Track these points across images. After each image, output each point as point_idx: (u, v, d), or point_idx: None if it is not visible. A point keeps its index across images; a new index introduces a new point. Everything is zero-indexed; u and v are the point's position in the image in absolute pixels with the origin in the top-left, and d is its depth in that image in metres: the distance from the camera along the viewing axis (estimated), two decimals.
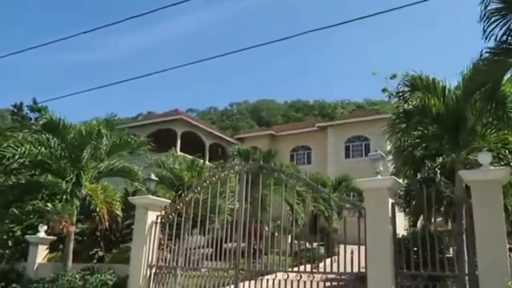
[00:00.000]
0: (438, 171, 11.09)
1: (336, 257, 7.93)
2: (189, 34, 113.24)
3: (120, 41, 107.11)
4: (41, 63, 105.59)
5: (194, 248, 10.02)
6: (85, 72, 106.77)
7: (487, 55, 6.44)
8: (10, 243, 12.70)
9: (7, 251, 12.58)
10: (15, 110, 24.53)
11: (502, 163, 8.69)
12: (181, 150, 26.28)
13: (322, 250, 11.99)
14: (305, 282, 7.57)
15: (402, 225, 11.64)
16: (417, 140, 9.65)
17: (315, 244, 10.01)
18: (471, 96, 7.33)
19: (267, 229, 11.90)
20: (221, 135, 34.05)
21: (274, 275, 8.03)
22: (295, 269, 8.27)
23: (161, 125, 29.28)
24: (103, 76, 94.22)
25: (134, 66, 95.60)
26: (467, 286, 7.18)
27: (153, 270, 9.26)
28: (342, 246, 7.71)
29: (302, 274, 7.68)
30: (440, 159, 10.93)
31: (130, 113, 59.27)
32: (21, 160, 9.79)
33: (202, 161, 15.04)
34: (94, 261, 11.20)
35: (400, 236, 8.08)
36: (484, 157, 6.80)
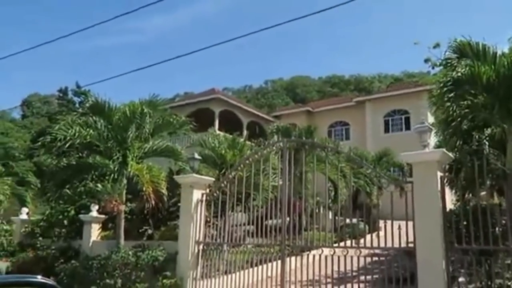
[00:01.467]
0: (487, 143, 10.68)
1: (379, 232, 7.87)
2: (222, 11, 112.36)
3: (154, 22, 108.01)
4: (80, 48, 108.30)
5: (238, 225, 10.23)
6: (121, 55, 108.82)
7: None
8: (65, 222, 13.45)
9: (63, 230, 13.32)
10: (61, 95, 25.54)
11: None
12: (219, 129, 26.60)
13: (361, 225, 11.94)
14: (351, 257, 7.59)
15: (448, 199, 11.38)
16: (466, 111, 9.27)
17: (356, 220, 9.98)
18: None
19: (310, 205, 11.97)
20: (258, 113, 34.11)
21: (320, 250, 8.09)
22: (338, 244, 8.30)
23: (199, 105, 29.66)
24: (139, 58, 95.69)
25: (167, 47, 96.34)
26: None
27: (201, 247, 9.54)
28: (384, 222, 7.66)
29: (349, 249, 7.69)
30: (488, 131, 10.50)
31: (167, 94, 60.34)
32: (72, 142, 10.24)
33: (242, 139, 15.15)
34: (144, 239, 11.69)
35: (448, 210, 7.89)
36: None
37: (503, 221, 7.64)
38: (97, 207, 12.27)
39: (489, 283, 7.09)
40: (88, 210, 12.45)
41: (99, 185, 11.65)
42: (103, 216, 12.36)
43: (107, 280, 9.48)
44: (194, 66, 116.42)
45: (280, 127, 19.30)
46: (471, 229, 6.79)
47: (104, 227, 12.74)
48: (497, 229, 7.34)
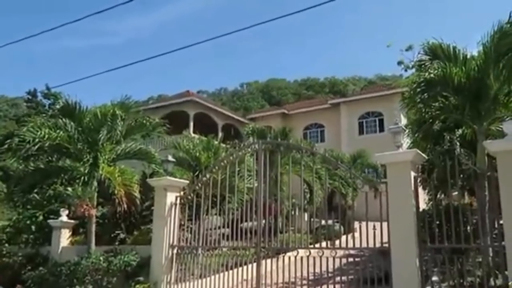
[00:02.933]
0: (458, 143, 10.91)
1: (354, 233, 7.90)
2: (197, 12, 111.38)
3: (129, 24, 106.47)
4: (50, 50, 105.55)
5: (213, 229, 10.08)
6: (95, 57, 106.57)
7: None
8: (33, 228, 12.94)
9: (31, 236, 12.82)
10: (30, 97, 24.68)
11: None
12: (194, 132, 26.33)
13: (337, 227, 12.01)
14: (327, 258, 7.57)
15: (421, 199, 11.58)
16: (437, 112, 9.45)
17: (331, 221, 10.01)
18: (497, 60, 7.05)
19: (285, 207, 11.93)
20: (233, 115, 34.00)
21: (295, 252, 8.04)
22: (314, 246, 8.28)
23: (173, 108, 29.32)
24: (114, 60, 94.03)
25: (144, 48, 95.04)
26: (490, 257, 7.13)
27: (175, 250, 9.36)
28: (358, 223, 7.69)
29: (324, 250, 7.67)
30: (459, 131, 10.74)
31: (140, 97, 59.41)
32: (41, 144, 9.87)
33: (216, 142, 14.97)
34: (117, 243, 11.38)
35: (421, 210, 7.99)
36: (510, 126, 6.60)
37: (474, 220, 7.81)
38: (67, 212, 11.90)
39: (461, 281, 7.21)
40: (58, 215, 12.05)
41: (69, 189, 11.29)
42: (73, 221, 11.98)
43: (77, 287, 9.17)
44: (169, 69, 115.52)
45: (256, 129, 19.23)
46: (444, 228, 6.89)
47: (74, 233, 12.36)
48: (468, 228, 7.47)
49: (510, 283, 5.81)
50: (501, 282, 6.46)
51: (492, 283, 6.66)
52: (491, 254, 7.22)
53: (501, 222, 6.53)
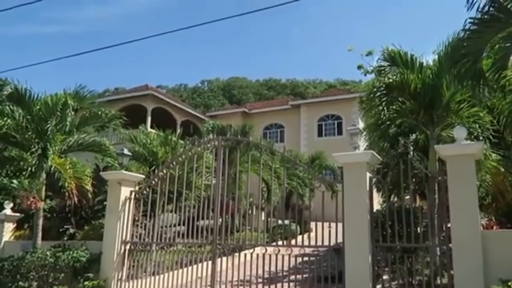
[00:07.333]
0: (412, 148, 11.31)
1: (310, 233, 7.97)
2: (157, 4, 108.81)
3: (84, 13, 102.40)
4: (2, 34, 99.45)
5: (169, 226, 9.84)
6: (46, 46, 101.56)
7: (470, 25, 6.40)
8: None
9: None
10: None
11: (473, 136, 8.93)
12: (151, 127, 25.69)
13: (293, 226, 12.09)
14: (283, 256, 7.60)
15: (375, 201, 11.91)
16: (394, 115, 9.74)
17: (288, 221, 10.06)
18: (449, 69, 7.32)
19: (243, 206, 11.90)
20: (193, 112, 33.56)
21: (252, 249, 8.01)
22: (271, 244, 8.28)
23: (130, 101, 28.51)
24: (66, 49, 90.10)
25: (99, 40, 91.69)
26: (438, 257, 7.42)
27: (128, 247, 9.09)
28: (315, 223, 7.77)
29: (280, 248, 7.69)
30: (413, 136, 11.12)
31: (96, 89, 57.27)
32: None
33: (175, 138, 14.66)
34: (65, 238, 10.88)
35: (375, 210, 8.19)
36: (460, 132, 6.91)
37: (424, 223, 8.11)
38: (11, 204, 11.23)
39: (410, 279, 7.45)
40: (1, 207, 11.35)
41: (14, 181, 10.65)
42: (18, 214, 11.33)
43: (21, 283, 8.67)
44: (128, 62, 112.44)
45: (216, 125, 19.08)
46: (396, 228, 7.09)
47: (19, 227, 11.69)
48: (418, 228, 7.75)
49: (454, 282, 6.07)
50: (447, 281, 6.73)
51: (439, 281, 6.92)
52: (438, 254, 7.50)
53: (448, 225, 6.79)
